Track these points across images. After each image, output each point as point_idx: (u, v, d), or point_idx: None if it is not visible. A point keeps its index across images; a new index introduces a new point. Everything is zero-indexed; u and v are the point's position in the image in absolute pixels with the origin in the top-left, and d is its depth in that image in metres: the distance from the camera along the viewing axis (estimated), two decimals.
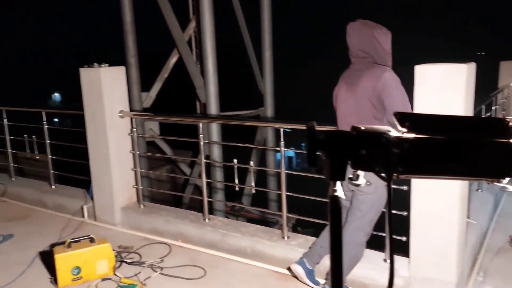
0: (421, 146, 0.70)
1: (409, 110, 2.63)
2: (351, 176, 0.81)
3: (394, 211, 2.98)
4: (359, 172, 0.77)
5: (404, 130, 0.70)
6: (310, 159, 0.75)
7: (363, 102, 2.71)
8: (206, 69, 7.41)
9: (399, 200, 3.05)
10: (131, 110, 6.61)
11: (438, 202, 2.66)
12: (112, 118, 4.19)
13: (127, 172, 4.35)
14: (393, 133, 0.71)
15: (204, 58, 7.38)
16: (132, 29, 8.01)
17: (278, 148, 3.50)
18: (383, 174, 0.72)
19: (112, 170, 4.23)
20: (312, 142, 0.74)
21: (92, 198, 4.45)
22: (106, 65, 4.16)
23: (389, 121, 2.67)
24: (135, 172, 4.35)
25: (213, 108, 7.51)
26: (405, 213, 2.85)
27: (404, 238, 2.89)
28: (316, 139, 0.74)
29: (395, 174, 0.71)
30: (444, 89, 2.54)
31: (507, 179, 0.75)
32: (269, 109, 9.44)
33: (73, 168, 4.89)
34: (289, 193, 3.48)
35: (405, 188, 2.83)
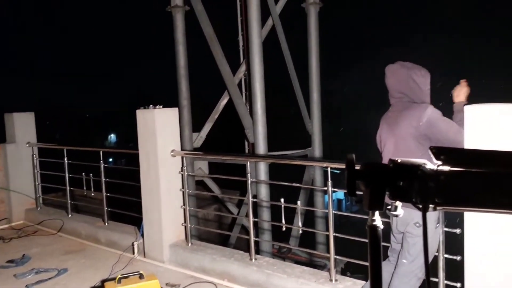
0: (456, 178, 0.71)
1: (462, 140, 2.59)
2: (389, 206, 0.82)
3: (447, 255, 2.84)
4: (397, 203, 0.79)
5: (440, 163, 0.72)
6: (350, 189, 0.78)
7: (407, 142, 2.71)
8: (255, 110, 7.60)
9: (453, 244, 2.91)
10: (182, 149, 6.83)
11: (493, 245, 2.51)
12: (164, 157, 4.37)
13: (177, 210, 4.47)
14: (429, 165, 0.73)
15: (253, 100, 7.59)
16: (186, 73, 8.46)
17: (325, 188, 3.48)
18: (419, 205, 0.73)
19: (162, 207, 4.37)
20: (352, 173, 0.77)
21: (142, 235, 4.59)
22: (161, 106, 4.41)
23: None
24: (184, 210, 4.46)
25: (261, 148, 7.62)
26: (458, 258, 2.70)
27: (458, 285, 2.73)
28: (355, 170, 0.77)
29: (431, 205, 0.72)
30: (496, 131, 2.45)
31: None
32: (317, 150, 9.42)
33: (126, 205, 5.09)
34: (337, 234, 3.42)
35: (458, 231, 2.70)
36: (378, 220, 0.80)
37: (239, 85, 8.80)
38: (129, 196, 4.91)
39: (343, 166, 3.32)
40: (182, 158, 4.46)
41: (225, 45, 8.65)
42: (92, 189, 5.48)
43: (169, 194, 4.41)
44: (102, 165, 5.21)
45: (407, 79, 2.80)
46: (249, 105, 8.31)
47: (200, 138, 8.61)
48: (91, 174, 5.43)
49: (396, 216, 0.79)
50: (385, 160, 2.90)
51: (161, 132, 4.38)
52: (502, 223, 2.46)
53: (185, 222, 4.46)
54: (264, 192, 7.43)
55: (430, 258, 2.76)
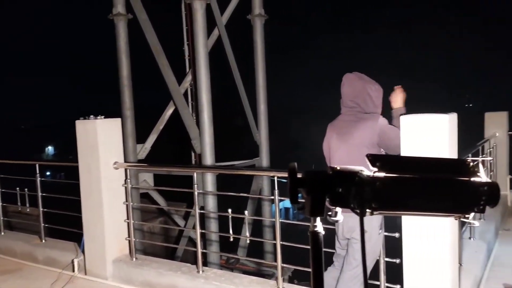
0: (391, 184, 0.75)
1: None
2: (330, 212, 0.85)
3: (387, 259, 2.97)
4: (337, 209, 0.82)
5: (375, 169, 0.76)
6: (292, 196, 0.80)
7: (361, 150, 2.82)
8: (202, 120, 7.56)
9: (393, 248, 3.05)
10: (126, 161, 6.63)
11: (429, 248, 2.66)
12: (107, 169, 4.22)
13: (120, 224, 4.31)
14: (366, 172, 0.77)
15: (200, 110, 7.55)
16: (129, 83, 8.24)
17: (272, 197, 3.52)
18: (357, 210, 0.77)
19: (105, 221, 4.19)
20: (294, 181, 0.79)
21: (83, 251, 4.38)
22: (102, 117, 4.25)
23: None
24: (128, 223, 4.31)
25: (209, 158, 7.57)
26: (398, 261, 2.83)
27: (398, 287, 2.85)
28: (297, 178, 0.80)
29: (368, 210, 0.76)
30: (428, 138, 2.63)
31: (472, 214, 0.80)
32: (264, 160, 9.51)
33: (65, 221, 4.84)
34: (284, 243, 3.45)
35: (396, 235, 2.84)
36: (319, 226, 0.83)
37: (185, 95, 8.72)
38: (69, 211, 4.67)
39: None
40: (126, 170, 4.32)
41: (171, 54, 8.55)
42: (28, 205, 5.15)
43: (112, 208, 4.25)
44: (39, 179, 4.92)
45: (362, 91, 2.92)
46: (195, 115, 8.25)
47: (144, 149, 8.40)
48: (26, 189, 5.10)
49: (336, 221, 0.82)
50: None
51: (103, 143, 4.23)
52: (437, 226, 2.62)
53: (129, 236, 4.31)
54: (211, 203, 7.38)
55: (373, 263, 2.87)
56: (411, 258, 2.74)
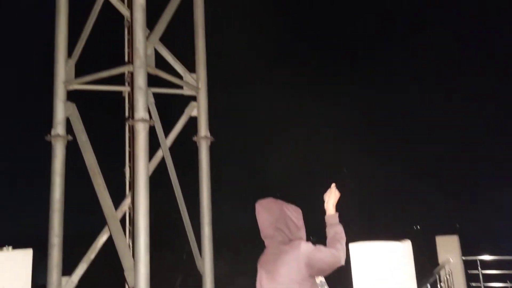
0: None
1: (341, 257, 2.53)
2: None
3: None
4: None
5: None
6: None
7: (289, 285, 2.54)
8: (138, 247, 6.85)
9: None
10: None
11: None
12: None
13: None
14: None
15: (136, 236, 6.89)
16: (60, 207, 7.53)
17: None
18: None
19: None
20: None
21: None
22: (10, 248, 3.63)
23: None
24: None
25: None
26: None
27: None
28: None
29: None
30: (380, 267, 2.32)
31: None
32: None
33: None
34: None
35: None
36: None
37: (123, 220, 8.07)
38: None
39: None
40: None
41: (110, 177, 8.11)
42: None
43: None
44: None
45: (281, 213, 2.69)
46: (132, 242, 7.53)
47: (70, 283, 7.35)
48: None
49: None
50: None
51: (8, 279, 3.54)
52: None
53: None
54: None
55: None
56: None
